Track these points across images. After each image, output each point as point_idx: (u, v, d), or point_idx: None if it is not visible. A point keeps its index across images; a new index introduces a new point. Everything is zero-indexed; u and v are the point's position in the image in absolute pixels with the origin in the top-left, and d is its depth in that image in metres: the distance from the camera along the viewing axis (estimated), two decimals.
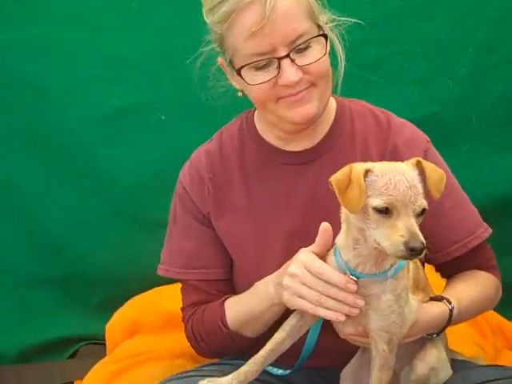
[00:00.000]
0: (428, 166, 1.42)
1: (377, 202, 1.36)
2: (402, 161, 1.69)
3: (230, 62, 1.68)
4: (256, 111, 1.81)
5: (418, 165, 1.42)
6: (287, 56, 1.60)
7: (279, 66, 1.61)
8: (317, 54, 1.62)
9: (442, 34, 2.52)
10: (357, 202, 1.38)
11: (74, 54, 2.59)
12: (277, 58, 1.60)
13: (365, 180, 1.39)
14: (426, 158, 1.71)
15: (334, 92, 1.77)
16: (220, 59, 1.73)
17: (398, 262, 1.46)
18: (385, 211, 1.36)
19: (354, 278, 1.47)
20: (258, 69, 1.62)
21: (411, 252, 1.33)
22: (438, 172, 1.43)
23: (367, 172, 1.40)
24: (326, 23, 1.68)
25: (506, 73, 2.53)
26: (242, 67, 1.63)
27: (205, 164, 1.81)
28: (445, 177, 1.43)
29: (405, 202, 1.36)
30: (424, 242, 1.34)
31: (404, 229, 1.35)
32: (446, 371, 1.63)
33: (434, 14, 2.54)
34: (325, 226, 1.51)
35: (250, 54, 1.61)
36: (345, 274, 1.48)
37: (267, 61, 1.61)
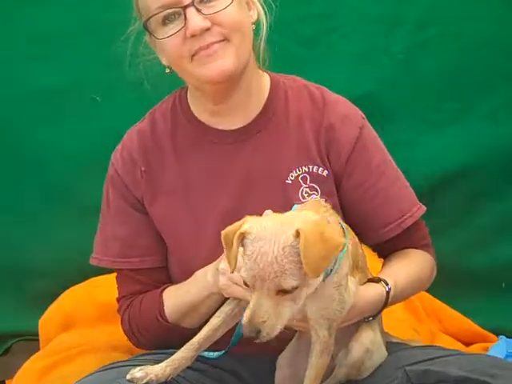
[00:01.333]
0: (306, 240, 1.27)
1: (242, 273, 1.32)
2: (338, 138, 1.69)
3: (146, 28, 1.66)
4: (188, 90, 1.78)
5: (298, 236, 1.29)
6: (191, 4, 1.59)
7: (185, 17, 1.60)
8: (224, 3, 1.61)
9: (377, 10, 2.53)
10: (231, 262, 1.34)
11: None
12: (181, 8, 1.60)
13: (243, 240, 1.33)
14: (360, 135, 1.73)
15: (259, 61, 1.74)
16: (147, 36, 1.71)
17: (335, 261, 1.43)
18: (246, 284, 1.33)
19: None
20: (167, 24, 1.63)
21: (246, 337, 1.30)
22: (321, 247, 1.28)
23: (243, 234, 1.33)
24: None
25: (441, 49, 2.54)
26: (149, 19, 1.63)
27: (137, 145, 1.77)
28: (334, 250, 1.31)
29: (263, 277, 1.29)
30: (257, 331, 1.28)
31: (248, 309, 1.30)
32: (381, 353, 1.63)
33: None
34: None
35: (157, 7, 1.62)
36: None
37: (174, 12, 1.61)
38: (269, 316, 1.30)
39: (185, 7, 1.60)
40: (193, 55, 1.63)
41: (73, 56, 2.52)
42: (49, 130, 2.56)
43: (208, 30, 1.61)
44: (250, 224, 1.33)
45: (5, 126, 2.55)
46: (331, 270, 1.43)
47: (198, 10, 1.60)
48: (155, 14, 1.62)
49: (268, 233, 1.31)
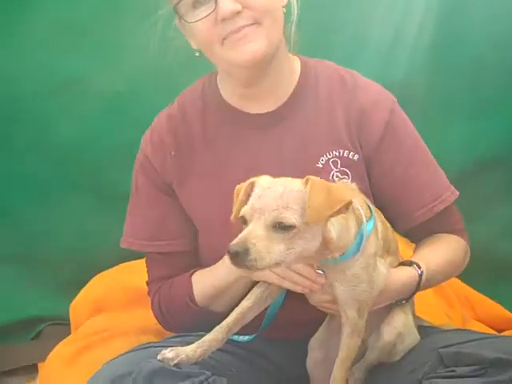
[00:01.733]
0: (313, 185, 1.30)
1: (242, 210, 1.33)
2: (369, 122, 1.69)
3: (176, 11, 1.65)
4: (218, 74, 1.77)
5: (307, 183, 1.32)
6: None
7: (216, 0, 1.58)
8: None
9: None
10: (236, 209, 1.36)
11: (23, 20, 2.51)
12: None
13: (251, 191, 1.36)
14: (391, 119, 1.71)
15: (290, 45, 1.73)
16: (176, 19, 1.70)
17: (359, 240, 1.44)
18: (244, 221, 1.32)
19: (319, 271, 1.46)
20: (197, 7, 1.61)
21: (230, 257, 1.28)
22: (325, 195, 1.29)
23: (253, 184, 1.36)
24: None
25: (474, 39, 2.51)
26: (179, 2, 1.62)
27: (167, 129, 1.76)
28: (339, 203, 1.30)
29: (263, 210, 1.30)
30: (246, 248, 1.25)
31: (240, 234, 1.29)
32: (413, 337, 1.62)
33: None
34: None
35: None
36: None
37: None
38: (259, 243, 1.28)
39: None
40: (223, 39, 1.61)
41: (96, 46, 2.53)
42: (73, 121, 2.57)
43: (239, 13, 1.59)
44: (262, 177, 1.38)
45: (29, 117, 2.56)
46: (350, 252, 1.43)
47: None
48: None
49: (278, 180, 1.36)
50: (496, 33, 2.50)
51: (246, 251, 1.28)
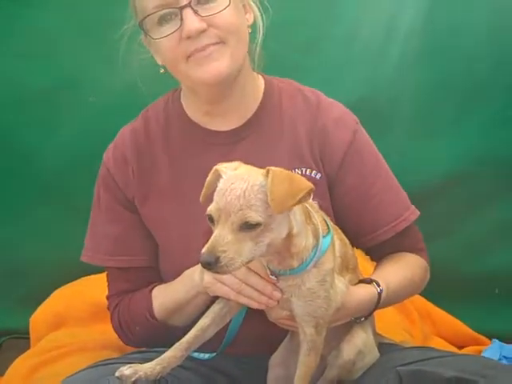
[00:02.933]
0: (274, 177, 1.30)
1: (208, 208, 1.34)
2: (331, 141, 1.70)
3: (141, 27, 1.65)
4: (182, 90, 1.77)
5: (267, 175, 1.32)
6: (188, 5, 1.58)
7: (181, 18, 1.59)
8: (222, 4, 1.60)
9: (373, 16, 2.54)
10: (203, 193, 1.40)
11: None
12: (178, 8, 1.59)
13: (218, 180, 1.37)
14: (354, 139, 1.72)
15: (255, 64, 1.74)
16: (142, 35, 1.69)
17: (315, 252, 1.44)
18: (211, 220, 1.34)
19: (273, 277, 1.46)
20: (162, 24, 1.61)
21: (202, 266, 1.30)
22: (287, 185, 1.30)
23: (218, 171, 1.38)
24: None
25: (435, 58, 2.55)
26: (145, 18, 1.62)
27: (129, 144, 1.76)
28: (300, 191, 1.30)
29: (227, 211, 1.30)
30: (216, 257, 1.27)
31: (210, 240, 1.30)
32: (373, 355, 1.63)
33: None
34: None
35: (154, 7, 1.60)
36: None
37: (170, 12, 1.60)
38: (229, 248, 1.29)
39: (181, 8, 1.58)
40: (188, 56, 1.62)
41: (67, 56, 2.52)
42: (42, 130, 2.56)
43: (204, 31, 1.60)
44: (226, 165, 1.38)
45: (2, 126, 2.54)
46: (306, 263, 1.43)
47: (195, 12, 1.59)
48: (151, 14, 1.61)
49: (240, 174, 1.35)
50: (461, 52, 2.54)
51: (217, 259, 1.29)
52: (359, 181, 1.72)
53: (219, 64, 1.61)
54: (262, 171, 1.35)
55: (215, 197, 1.35)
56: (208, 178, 1.40)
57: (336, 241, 1.53)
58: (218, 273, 1.32)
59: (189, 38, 1.59)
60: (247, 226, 1.31)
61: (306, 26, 2.53)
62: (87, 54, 2.50)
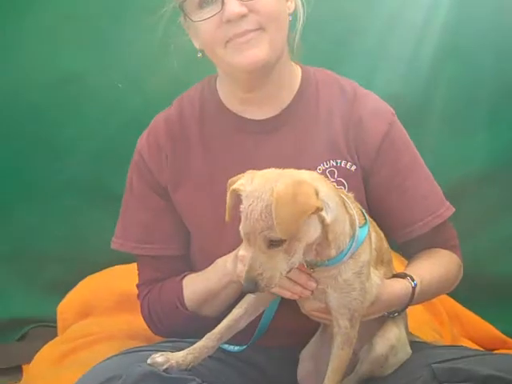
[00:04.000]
0: (278, 200, 1.30)
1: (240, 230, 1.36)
2: (367, 132, 1.68)
3: (182, 8, 1.64)
4: (218, 77, 1.76)
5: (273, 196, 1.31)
6: None
7: (223, 1, 1.57)
8: None
9: (409, 13, 2.51)
10: (226, 213, 1.41)
11: (23, 13, 2.50)
12: None
13: (238, 198, 1.38)
14: (390, 131, 1.70)
15: (293, 53, 1.72)
16: (181, 17, 1.69)
17: (352, 242, 1.43)
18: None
19: (308, 269, 1.45)
20: (203, 7, 1.60)
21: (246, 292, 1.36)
22: (291, 208, 1.29)
23: (234, 192, 1.39)
24: None
25: (469, 56, 2.52)
26: (185, 1, 1.60)
27: (164, 131, 1.75)
28: (304, 213, 1.30)
29: (254, 233, 1.33)
30: (255, 282, 1.32)
31: (246, 265, 1.34)
32: (406, 351, 1.61)
33: None
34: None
35: None
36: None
37: None
38: (264, 268, 1.32)
39: None
40: (227, 41, 1.60)
41: (99, 41, 2.51)
42: (72, 116, 2.55)
43: (244, 16, 1.58)
44: (243, 181, 1.38)
45: (31, 111, 2.54)
46: (344, 253, 1.41)
47: None
48: None
49: (256, 190, 1.35)
50: (494, 50, 2.50)
51: (256, 285, 1.32)
52: (394, 173, 1.70)
53: (258, 51, 1.60)
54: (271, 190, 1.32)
55: (242, 217, 1.36)
56: (227, 201, 1.40)
57: (372, 233, 1.52)
58: (262, 291, 1.37)
59: (229, 21, 1.58)
60: (274, 244, 1.33)
61: (344, 18, 2.51)
62: (117, 36, 2.49)
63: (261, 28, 1.60)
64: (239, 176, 1.40)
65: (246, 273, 1.34)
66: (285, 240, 1.32)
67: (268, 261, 1.33)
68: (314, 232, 1.36)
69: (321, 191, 1.35)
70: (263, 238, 1.32)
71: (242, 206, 1.36)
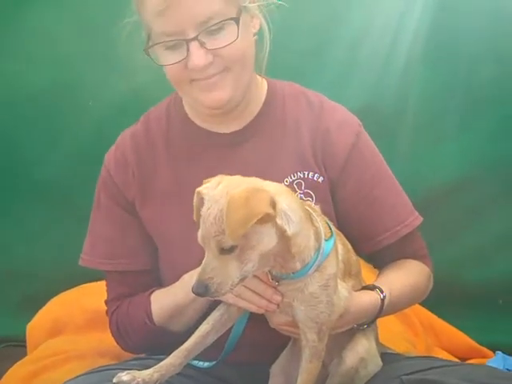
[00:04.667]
0: (230, 203, 1.30)
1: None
2: (334, 144, 1.68)
3: (148, 40, 1.62)
4: None
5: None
6: (195, 38, 1.54)
7: (188, 49, 1.55)
8: (230, 38, 1.56)
9: (377, 21, 2.54)
10: (195, 219, 1.40)
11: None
12: (185, 40, 1.55)
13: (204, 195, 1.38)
14: (357, 142, 1.71)
15: (261, 71, 1.72)
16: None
17: (317, 256, 1.42)
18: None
19: (273, 282, 1.44)
20: (169, 48, 1.58)
21: (196, 295, 1.34)
22: (241, 212, 1.29)
23: (200, 194, 1.38)
24: (254, 2, 1.63)
25: (441, 63, 2.54)
26: (151, 46, 1.59)
27: (130, 147, 1.74)
28: (254, 217, 1.28)
29: (208, 238, 1.33)
30: (205, 286, 1.31)
31: (199, 269, 1.34)
32: (376, 363, 1.60)
33: None
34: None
35: (160, 33, 1.56)
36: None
37: (177, 41, 1.56)
38: (216, 274, 1.32)
39: (188, 41, 1.55)
40: (192, 80, 1.60)
41: (68, 58, 2.51)
42: (41, 133, 2.54)
43: (210, 63, 1.58)
44: (209, 184, 1.38)
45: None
46: (309, 266, 1.40)
47: (202, 44, 1.55)
48: (157, 44, 1.58)
49: (216, 195, 1.34)
50: (467, 57, 2.53)
51: (207, 288, 1.32)
52: (361, 184, 1.70)
53: (222, 92, 1.60)
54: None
55: (201, 221, 1.35)
56: (194, 202, 1.39)
57: (339, 245, 1.51)
58: (213, 298, 1.35)
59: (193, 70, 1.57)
60: (226, 250, 1.32)
61: (311, 30, 2.53)
62: (88, 55, 2.49)
63: (225, 69, 1.59)
64: (209, 179, 1.40)
65: (197, 275, 1.33)
66: (236, 246, 1.31)
67: (220, 266, 1.32)
68: (268, 242, 1.34)
69: (281, 203, 1.34)
70: (216, 243, 1.32)
71: (201, 210, 1.36)
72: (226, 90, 1.60)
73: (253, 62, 1.65)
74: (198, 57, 1.55)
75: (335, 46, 2.55)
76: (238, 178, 1.39)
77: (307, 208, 1.45)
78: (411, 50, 2.54)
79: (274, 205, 1.32)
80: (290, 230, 1.35)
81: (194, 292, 1.33)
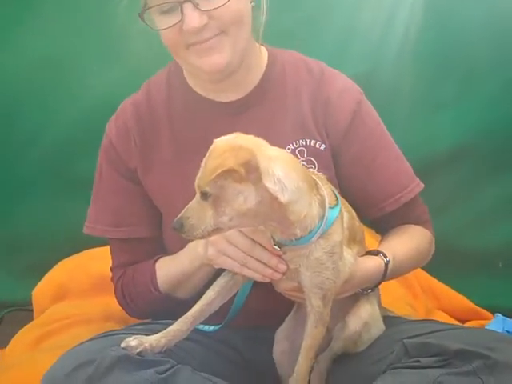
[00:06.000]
0: (211, 153, 1.37)
1: None
2: (335, 111, 1.69)
3: (142, 17, 1.61)
4: None
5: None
6: (189, 0, 1.54)
7: (182, 11, 1.54)
8: None
9: None
10: None
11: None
12: (179, 2, 1.54)
13: None
14: (358, 109, 1.71)
15: (259, 38, 1.69)
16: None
17: (321, 223, 1.43)
18: None
19: (276, 247, 1.45)
20: (163, 13, 1.57)
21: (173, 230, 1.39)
22: (214, 162, 1.35)
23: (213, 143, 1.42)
24: None
25: (439, 31, 2.53)
26: (145, 10, 1.57)
27: (131, 116, 1.74)
28: (218, 168, 1.33)
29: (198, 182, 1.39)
30: (180, 223, 1.37)
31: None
32: (379, 327, 1.62)
33: None
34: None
35: None
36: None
37: (171, 4, 1.55)
38: (192, 215, 1.38)
39: (182, 2, 1.54)
40: (189, 45, 1.59)
41: (70, 24, 2.49)
42: (43, 100, 2.53)
43: (205, 25, 1.56)
44: (223, 137, 1.41)
45: (1, 97, 2.53)
46: (313, 233, 1.42)
47: (196, 5, 1.54)
48: (151, 7, 1.56)
49: (216, 147, 1.38)
50: (465, 25, 2.51)
51: (181, 226, 1.37)
52: (363, 151, 1.71)
53: (219, 57, 1.59)
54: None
55: None
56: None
57: (344, 212, 1.52)
58: (187, 238, 1.39)
59: (189, 32, 1.56)
60: (203, 196, 1.36)
61: None
62: (90, 28, 2.48)
63: (222, 32, 1.58)
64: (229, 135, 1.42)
65: (180, 214, 1.39)
66: (210, 194, 1.35)
67: (198, 210, 1.37)
68: (244, 201, 1.35)
69: (275, 169, 1.35)
70: (197, 187, 1.38)
71: None
72: (223, 53, 1.59)
73: (249, 25, 1.64)
74: (193, 18, 1.54)
75: (334, 13, 2.53)
76: (245, 137, 1.40)
77: (313, 177, 1.46)
78: (410, 18, 2.51)
79: (253, 167, 1.33)
80: (283, 198, 1.36)
81: (171, 226, 1.38)
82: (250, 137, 1.41)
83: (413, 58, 2.54)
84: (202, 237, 1.39)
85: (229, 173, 1.33)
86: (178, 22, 1.56)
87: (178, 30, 1.57)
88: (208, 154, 1.38)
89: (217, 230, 1.38)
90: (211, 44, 1.58)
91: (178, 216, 1.38)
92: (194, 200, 1.39)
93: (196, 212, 1.37)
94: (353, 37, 2.53)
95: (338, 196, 1.52)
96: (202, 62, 1.60)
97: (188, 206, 1.39)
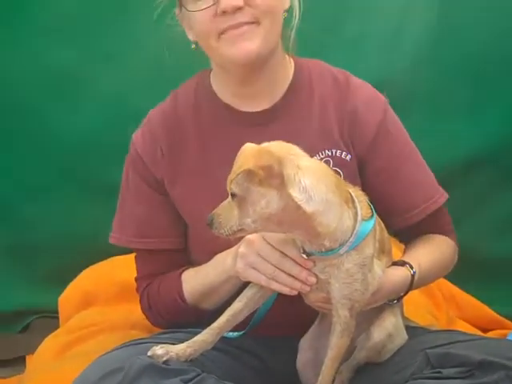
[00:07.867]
0: (242, 153, 1.41)
1: None
2: (362, 122, 1.72)
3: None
4: (212, 71, 1.78)
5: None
6: None
7: None
8: None
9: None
10: None
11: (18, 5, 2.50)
12: None
13: None
14: (384, 119, 1.72)
15: (288, 49, 1.74)
16: (177, 8, 1.70)
17: (354, 235, 1.43)
18: None
19: (304, 255, 1.47)
20: None
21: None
22: (239, 164, 1.39)
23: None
24: None
25: (455, 40, 2.53)
26: None
27: (158, 125, 1.76)
28: (238, 168, 1.37)
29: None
30: (211, 219, 1.42)
31: None
32: (402, 337, 1.63)
33: None
34: None
35: None
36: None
37: None
38: (222, 213, 1.43)
39: None
40: (221, 33, 1.62)
41: (94, 33, 2.52)
42: (67, 106, 2.55)
43: (240, 9, 1.59)
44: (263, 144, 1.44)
45: (21, 103, 2.55)
46: (343, 244, 1.42)
47: None
48: None
49: (246, 149, 1.42)
50: (485, 34, 2.51)
51: (212, 222, 1.42)
52: (389, 161, 1.72)
53: (251, 44, 1.61)
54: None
55: None
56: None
57: (377, 226, 1.52)
58: (216, 234, 1.43)
59: (224, 13, 1.59)
60: (232, 196, 1.40)
61: (331, 5, 2.52)
62: (112, 29, 2.50)
63: (256, 22, 1.61)
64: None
65: (213, 211, 1.44)
66: (235, 195, 1.39)
67: (227, 209, 1.41)
68: (266, 205, 1.37)
69: (302, 178, 1.36)
70: (228, 187, 1.41)
71: None
72: (254, 42, 1.61)
73: (280, 26, 1.66)
74: None
75: (348, 21, 2.55)
76: (280, 144, 1.43)
77: (349, 190, 1.47)
78: (425, 25, 2.52)
79: (276, 172, 1.35)
80: (308, 208, 1.36)
81: (205, 222, 1.43)
82: (287, 145, 1.42)
83: (428, 66, 2.55)
84: (228, 235, 1.42)
85: (248, 174, 1.35)
86: (214, 3, 1.59)
87: (212, 14, 1.60)
88: (238, 155, 1.42)
89: (241, 230, 1.42)
90: (244, 30, 1.60)
91: (211, 212, 1.43)
92: (228, 199, 1.43)
93: (225, 210, 1.41)
94: (367, 45, 2.55)
95: (373, 209, 1.52)
96: (233, 50, 1.61)
97: (222, 203, 1.43)
